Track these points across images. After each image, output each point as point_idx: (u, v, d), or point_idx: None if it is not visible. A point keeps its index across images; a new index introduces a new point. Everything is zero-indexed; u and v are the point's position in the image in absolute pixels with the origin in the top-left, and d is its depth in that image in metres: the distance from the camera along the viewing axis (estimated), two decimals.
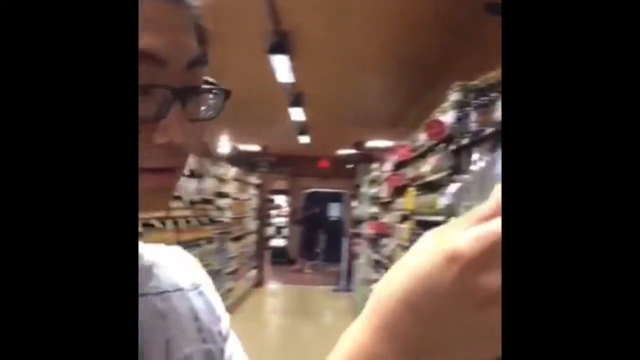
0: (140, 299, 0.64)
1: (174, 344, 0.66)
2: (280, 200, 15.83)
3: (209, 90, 0.60)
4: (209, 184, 7.06)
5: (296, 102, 7.56)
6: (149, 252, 0.71)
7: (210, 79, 0.61)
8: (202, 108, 0.60)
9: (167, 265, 0.72)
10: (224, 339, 0.75)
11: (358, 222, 10.38)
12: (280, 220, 15.64)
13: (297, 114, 8.33)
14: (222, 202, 8.00)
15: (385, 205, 6.65)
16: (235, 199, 8.90)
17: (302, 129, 9.84)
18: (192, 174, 6.11)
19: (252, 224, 10.59)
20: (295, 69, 5.85)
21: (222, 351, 0.73)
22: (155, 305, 0.66)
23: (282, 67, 5.68)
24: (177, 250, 0.79)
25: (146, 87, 0.53)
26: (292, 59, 5.46)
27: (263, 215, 11.85)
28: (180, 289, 0.70)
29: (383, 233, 6.49)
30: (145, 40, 0.52)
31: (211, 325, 0.73)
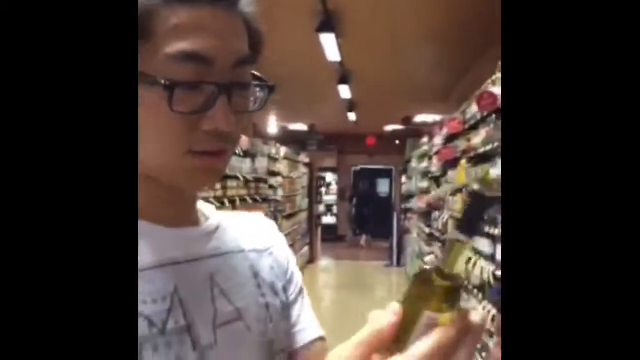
0: (194, 262, 0.72)
1: (225, 299, 0.73)
2: (330, 178, 15.94)
3: (254, 85, 0.69)
4: (262, 164, 7.22)
5: (344, 79, 7.61)
6: (219, 218, 0.80)
7: (258, 74, 0.70)
8: (251, 99, 0.69)
9: (236, 229, 0.81)
10: (292, 295, 0.84)
11: (408, 197, 10.40)
12: (330, 198, 15.77)
13: (344, 92, 8.38)
14: (274, 180, 8.17)
15: (437, 179, 6.66)
16: (286, 177, 9.05)
17: (350, 106, 9.88)
18: (246, 154, 6.27)
19: (303, 202, 10.75)
20: (342, 47, 5.90)
21: (286, 305, 0.82)
22: (209, 266, 0.73)
23: (330, 46, 5.74)
24: (258, 216, 0.89)
25: (194, 83, 0.63)
26: (339, 37, 5.51)
27: (313, 193, 11.99)
28: (242, 251, 0.79)
29: (435, 206, 6.52)
30: (195, 44, 0.62)
31: (276, 282, 0.81)
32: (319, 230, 12.33)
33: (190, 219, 0.76)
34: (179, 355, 0.65)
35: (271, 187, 7.88)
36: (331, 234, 14.69)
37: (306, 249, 10.84)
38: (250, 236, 0.83)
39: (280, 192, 8.48)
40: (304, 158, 11.34)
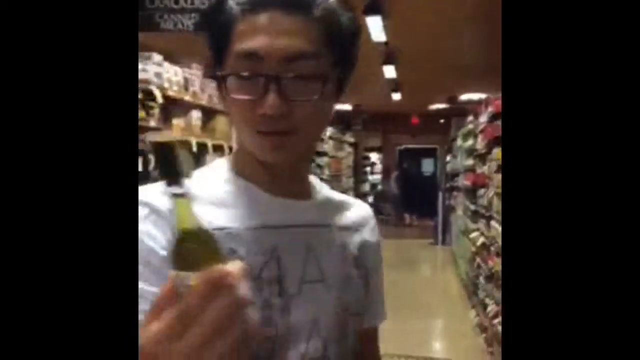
0: (294, 228, 0.85)
1: (314, 263, 0.85)
2: (374, 157, 16.03)
3: (309, 77, 0.77)
4: None
5: (389, 60, 7.70)
6: (327, 195, 0.93)
7: (307, 72, 0.77)
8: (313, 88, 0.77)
9: (336, 207, 0.94)
10: (373, 274, 0.96)
11: (453, 175, 10.43)
12: (375, 177, 15.87)
13: (389, 72, 8.46)
14: (321, 160, 8.34)
15: (482, 157, 6.72)
16: (332, 157, 9.22)
17: (395, 86, 9.95)
18: None
19: (348, 181, 10.91)
20: (387, 27, 6.00)
21: (365, 276, 0.94)
22: (307, 234, 0.86)
23: (375, 27, 5.85)
24: (357, 201, 1.00)
25: (248, 75, 0.78)
26: (384, 18, 5.61)
27: (358, 172, 12.12)
28: (337, 226, 0.91)
29: (480, 184, 6.59)
30: (249, 43, 0.78)
31: (360, 258, 0.93)
32: None
33: (298, 191, 0.88)
34: (267, 298, 0.81)
35: (318, 166, 8.07)
36: (377, 213, 14.71)
37: None
38: (347, 215, 0.95)
39: (326, 172, 8.66)
40: (349, 138, 11.47)
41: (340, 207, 0.95)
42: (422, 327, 5.94)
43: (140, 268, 0.72)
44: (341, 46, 0.81)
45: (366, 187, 14.43)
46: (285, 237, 0.84)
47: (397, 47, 7.26)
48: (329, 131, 9.18)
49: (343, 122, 12.72)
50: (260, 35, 0.76)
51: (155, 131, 3.08)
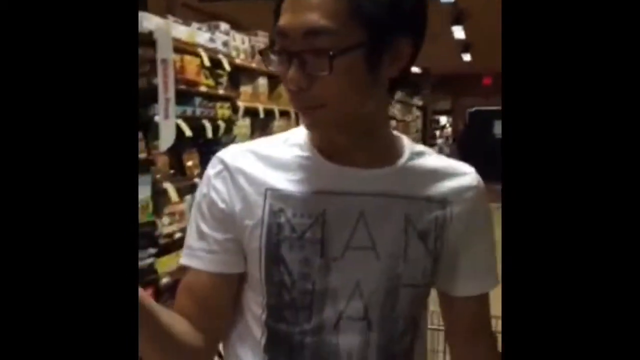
0: (346, 196, 0.88)
1: (365, 231, 0.88)
2: (444, 120, 15.77)
3: (319, 52, 0.78)
4: None
5: (458, 20, 7.52)
6: (416, 162, 0.92)
7: (324, 46, 0.78)
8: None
9: (420, 176, 0.92)
10: (461, 241, 0.94)
11: None
12: (442, 141, 15.64)
13: (458, 32, 8.26)
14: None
15: None
16: (400, 121, 9.18)
17: (464, 47, 9.71)
18: None
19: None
20: None
21: (437, 254, 0.92)
22: (361, 202, 0.88)
23: None
24: (462, 168, 0.97)
25: (277, 51, 0.84)
26: None
27: (427, 136, 12.01)
28: (405, 196, 0.90)
29: None
30: (279, 21, 0.82)
31: (431, 231, 0.91)
32: None
33: (369, 160, 0.90)
34: (307, 257, 0.87)
35: None
36: None
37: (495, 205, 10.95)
38: (430, 184, 0.92)
39: None
40: (417, 101, 11.34)
41: (431, 176, 0.93)
42: None
43: (206, 214, 0.90)
44: (370, 18, 0.79)
45: (435, 150, 14.25)
46: (336, 203, 0.88)
47: (466, 7, 7.07)
48: (397, 95, 9.11)
49: (411, 85, 12.56)
50: (287, 12, 0.81)
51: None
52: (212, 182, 0.90)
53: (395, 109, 8.92)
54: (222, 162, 0.91)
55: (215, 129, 3.23)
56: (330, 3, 0.78)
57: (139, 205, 2.47)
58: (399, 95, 9.26)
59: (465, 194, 0.94)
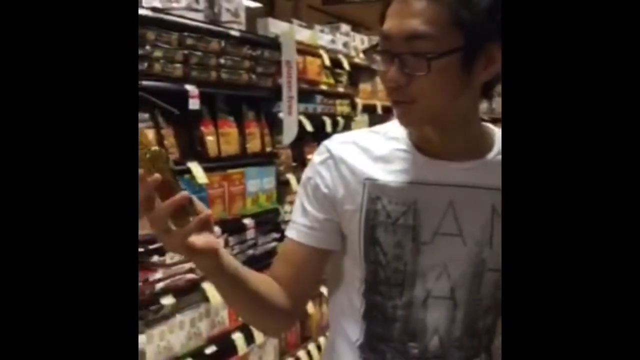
0: (438, 187, 0.96)
1: (452, 219, 0.97)
2: None
3: (417, 54, 0.86)
4: (499, 104, 7.24)
5: None
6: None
7: (427, 52, 0.86)
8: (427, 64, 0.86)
9: (488, 170, 0.98)
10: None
11: None
12: None
13: None
14: None
15: None
16: None
17: None
18: None
19: None
20: None
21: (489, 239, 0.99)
22: (451, 193, 0.97)
23: None
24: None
25: (380, 52, 0.91)
26: None
27: None
28: (491, 187, 0.95)
29: None
30: (385, 25, 0.89)
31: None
32: None
33: (459, 153, 0.98)
34: (400, 241, 0.97)
35: None
36: None
37: None
38: (490, 174, 0.97)
39: None
40: None
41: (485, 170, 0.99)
42: None
43: (310, 195, 1.02)
44: (468, 25, 0.87)
45: None
46: (427, 193, 0.97)
47: None
48: None
49: None
50: (391, 17, 0.91)
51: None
52: (317, 168, 1.02)
53: None
54: (328, 150, 1.02)
55: (335, 124, 3.43)
56: (432, 10, 0.86)
57: (265, 195, 2.73)
58: None
59: None
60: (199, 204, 0.87)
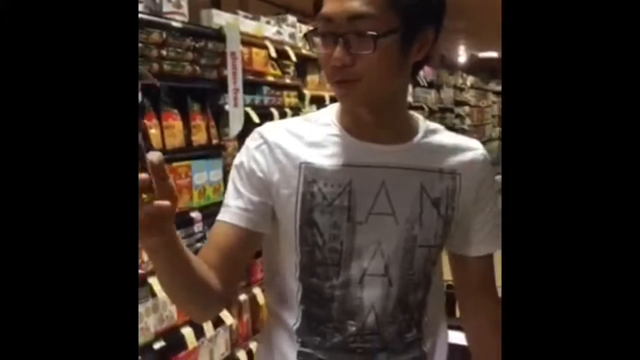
0: (370, 168, 1.00)
1: (385, 198, 1.00)
2: None
3: (368, 35, 0.89)
4: (448, 94, 7.39)
5: None
6: (429, 139, 1.04)
7: (370, 31, 0.89)
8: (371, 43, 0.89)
9: (432, 151, 1.04)
10: (463, 214, 1.06)
11: None
12: None
13: None
14: (461, 110, 8.27)
15: None
16: (474, 106, 9.08)
17: None
18: (431, 85, 6.49)
19: (493, 131, 10.67)
20: None
21: (447, 219, 1.04)
22: (382, 174, 1.00)
23: None
24: (470, 143, 1.09)
25: (321, 33, 0.96)
26: None
27: None
28: (420, 169, 1.02)
29: None
30: (323, 9, 0.92)
31: (442, 199, 1.04)
32: None
33: (389, 137, 1.02)
34: (336, 222, 1.01)
35: (458, 116, 8.03)
36: None
37: (498, 177, 10.79)
38: (442, 158, 1.05)
39: (467, 121, 8.58)
40: (494, 86, 11.14)
41: (443, 151, 1.06)
42: None
43: (244, 179, 1.03)
44: (404, 8, 0.92)
45: None
46: (361, 174, 1.01)
47: None
48: (470, 81, 9.02)
49: (487, 70, 12.32)
50: (330, 1, 0.94)
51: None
52: (252, 152, 1.03)
53: (469, 95, 8.84)
54: (262, 136, 1.04)
55: (283, 116, 3.43)
56: None
57: (212, 187, 2.71)
58: (472, 80, 9.16)
59: (473, 166, 1.07)
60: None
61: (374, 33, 0.90)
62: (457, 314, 1.22)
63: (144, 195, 0.76)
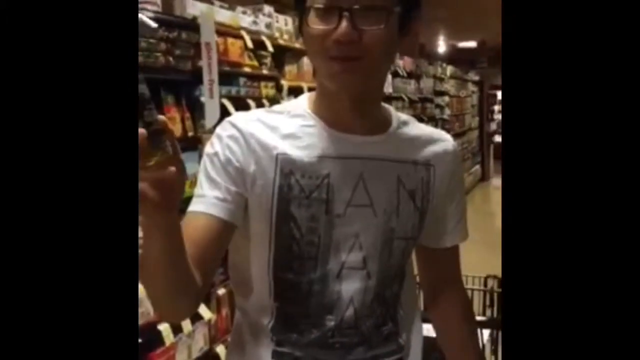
0: (348, 160, 0.98)
1: (363, 190, 0.98)
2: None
3: (378, 9, 0.87)
4: (427, 84, 7.39)
5: None
6: (403, 130, 1.04)
7: (374, 4, 0.87)
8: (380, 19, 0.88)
9: (405, 142, 1.03)
10: (438, 205, 1.05)
11: None
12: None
13: None
14: (441, 100, 8.29)
15: None
16: (453, 96, 9.10)
17: None
18: (410, 75, 6.48)
19: (473, 121, 10.72)
20: None
21: (422, 211, 1.03)
22: (360, 165, 0.98)
23: None
24: (440, 134, 1.09)
25: (325, 7, 0.91)
26: None
27: (484, 111, 11.83)
28: (396, 160, 1.01)
29: None
30: None
31: (417, 190, 1.03)
32: (491, 148, 12.21)
33: (365, 128, 1.00)
34: (314, 214, 0.98)
35: (437, 106, 8.04)
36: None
37: (477, 167, 10.88)
38: (415, 149, 1.04)
39: (447, 111, 8.60)
40: (473, 76, 11.18)
41: (416, 142, 1.05)
42: None
43: (219, 168, 0.96)
44: None
45: (493, 126, 14.01)
46: (339, 166, 0.98)
47: None
48: (450, 70, 9.03)
49: (466, 60, 12.35)
50: None
51: None
52: (226, 142, 0.97)
53: (449, 85, 8.86)
54: (235, 126, 0.98)
55: (260, 107, 3.37)
56: None
57: (188, 181, 2.66)
58: (451, 70, 9.17)
59: (445, 157, 1.07)
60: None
61: (387, 6, 0.89)
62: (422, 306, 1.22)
63: (149, 161, 0.71)
